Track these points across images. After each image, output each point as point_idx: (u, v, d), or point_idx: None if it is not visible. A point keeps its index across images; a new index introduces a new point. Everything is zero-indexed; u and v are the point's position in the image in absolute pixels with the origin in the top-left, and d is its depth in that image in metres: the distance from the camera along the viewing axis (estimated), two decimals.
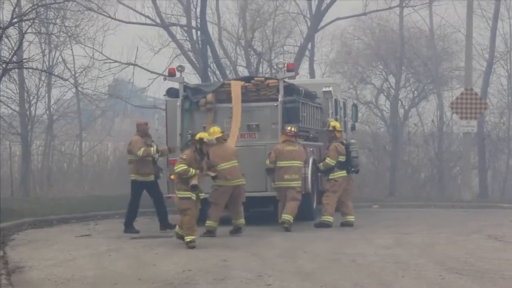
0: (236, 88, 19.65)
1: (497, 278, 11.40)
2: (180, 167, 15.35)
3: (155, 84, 30.75)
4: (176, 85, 20.09)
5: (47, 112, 32.94)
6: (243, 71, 32.42)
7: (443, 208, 26.17)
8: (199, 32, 30.63)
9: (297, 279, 11.44)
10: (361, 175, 24.29)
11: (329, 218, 19.25)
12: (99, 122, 36.65)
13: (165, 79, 20.95)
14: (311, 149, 20.50)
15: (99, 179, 33.03)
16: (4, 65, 22.79)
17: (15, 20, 24.10)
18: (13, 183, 28.14)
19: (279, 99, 19.41)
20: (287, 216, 18.22)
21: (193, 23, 31.25)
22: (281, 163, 18.59)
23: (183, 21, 31.95)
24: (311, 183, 20.16)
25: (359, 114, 28.48)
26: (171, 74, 20.22)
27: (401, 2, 33.83)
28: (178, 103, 19.80)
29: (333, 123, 20.39)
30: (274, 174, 18.80)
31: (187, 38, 31.93)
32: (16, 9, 24.47)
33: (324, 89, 22.72)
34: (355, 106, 27.02)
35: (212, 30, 32.24)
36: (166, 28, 31.54)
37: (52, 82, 32.13)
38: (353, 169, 19.87)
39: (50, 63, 31.67)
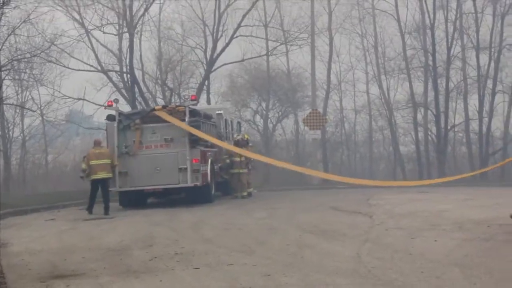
0: (164, 115, 19.31)
1: (336, 235, 11.62)
2: None
3: (99, 112, 30.23)
4: (113, 112, 19.77)
5: (21, 134, 32.21)
6: (160, 101, 32.13)
7: (301, 190, 26.52)
8: (128, 75, 30.32)
9: (202, 243, 11.39)
10: None
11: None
12: (59, 140, 35.78)
13: (105, 108, 20.51)
14: (210, 153, 20.45)
15: (60, 180, 32.21)
16: None
17: None
18: None
19: (186, 120, 19.37)
20: None
21: (124, 69, 30.89)
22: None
23: (117, 67, 31.53)
24: (210, 176, 20.15)
25: (242, 128, 28.54)
26: (109, 105, 19.90)
27: (267, 52, 34.29)
28: (115, 125, 19.55)
29: (247, 135, 22.06)
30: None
31: (120, 80, 31.47)
32: None
33: (217, 112, 22.83)
34: (239, 123, 27.14)
35: (138, 73, 31.83)
36: (105, 73, 31.06)
37: (24, 113, 31.46)
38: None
39: (23, 100, 30.99)
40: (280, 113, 36.95)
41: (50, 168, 33.76)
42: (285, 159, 35.78)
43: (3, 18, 21.02)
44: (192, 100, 20.20)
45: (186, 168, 19.01)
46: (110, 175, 18.36)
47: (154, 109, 20.12)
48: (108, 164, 18.27)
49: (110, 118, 19.86)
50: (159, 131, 19.38)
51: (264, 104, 36.44)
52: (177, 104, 23.16)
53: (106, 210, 17.97)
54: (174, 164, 19.07)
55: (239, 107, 36.31)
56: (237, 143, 21.94)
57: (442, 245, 10.03)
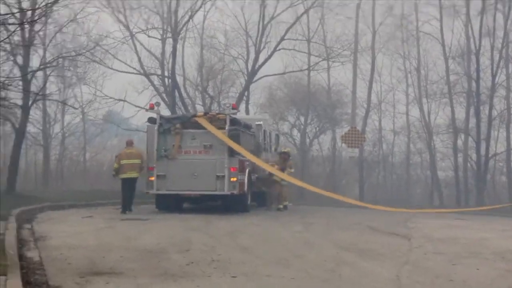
0: (204, 122, 19.39)
1: (374, 255, 11.45)
2: None
3: (139, 115, 30.65)
4: (154, 115, 19.81)
5: (62, 130, 32.61)
6: (200, 108, 32.29)
7: (335, 207, 26.29)
8: (169, 80, 30.55)
9: (239, 251, 11.34)
10: None
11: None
12: (97, 139, 36.19)
13: (147, 110, 20.71)
14: (247, 162, 20.38)
15: (97, 178, 32.54)
16: (33, 97, 22.41)
17: (42, 66, 23.76)
18: (37, 179, 27.76)
19: (226, 128, 19.37)
20: None
21: (166, 73, 31.13)
22: None
23: (159, 72, 31.80)
24: (247, 186, 20.07)
25: (280, 141, 28.46)
26: (151, 108, 20.05)
27: (308, 67, 34.26)
28: (155, 128, 19.63)
29: (289, 149, 22.05)
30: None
31: (161, 84, 31.72)
32: (43, 59, 24.30)
33: (256, 122, 22.77)
34: (277, 135, 27.07)
35: (179, 79, 32.13)
36: (147, 76, 31.35)
37: (66, 110, 31.90)
38: None
39: (65, 97, 31.37)
40: (317, 128, 36.79)
41: (87, 166, 34.13)
42: (320, 175, 35.70)
43: (51, 15, 21.44)
44: (233, 108, 20.23)
45: (223, 176, 19.01)
46: (137, 174, 18.83)
47: (195, 115, 20.19)
48: (137, 164, 18.87)
49: (151, 120, 19.95)
50: (199, 137, 19.42)
51: (302, 119, 36.36)
52: (217, 111, 23.22)
53: (124, 208, 18.26)
54: (212, 171, 19.07)
55: (277, 120, 36.25)
56: (281, 156, 21.88)
57: (484, 274, 9.80)
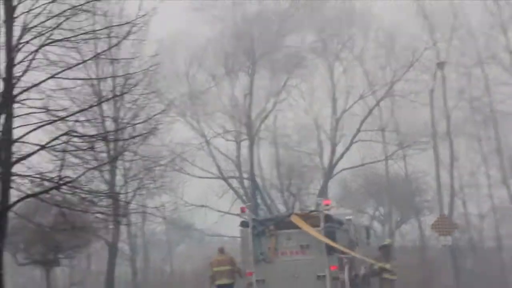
0: (299, 221, 18.94)
1: None
2: None
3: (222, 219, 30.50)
4: (247, 218, 19.37)
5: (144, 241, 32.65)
6: (281, 208, 31.96)
7: None
8: (250, 182, 30.58)
9: None
10: None
11: None
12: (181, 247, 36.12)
13: (239, 215, 20.42)
14: (346, 259, 19.64)
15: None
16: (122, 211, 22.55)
17: (129, 180, 24.01)
18: None
19: (321, 226, 18.83)
20: None
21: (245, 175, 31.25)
22: None
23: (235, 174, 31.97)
24: (348, 283, 19.16)
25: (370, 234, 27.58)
26: (243, 211, 19.75)
27: (386, 157, 33.81)
28: (249, 231, 19.19)
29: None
30: None
31: (240, 187, 31.73)
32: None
33: (347, 217, 22.12)
34: (367, 228, 26.29)
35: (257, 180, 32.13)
36: (225, 179, 31.47)
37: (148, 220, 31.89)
38: None
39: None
40: (399, 218, 35.83)
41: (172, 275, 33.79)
42: (410, 264, 34.29)
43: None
44: (326, 205, 19.71)
45: (324, 276, 18.38)
46: (230, 281, 18.84)
47: (290, 215, 19.79)
48: (228, 270, 18.94)
49: (244, 224, 19.60)
50: (295, 237, 18.96)
51: (381, 209, 35.55)
52: (310, 210, 22.79)
53: None
54: (312, 271, 18.49)
55: (354, 212, 35.55)
56: (386, 249, 20.90)
57: None
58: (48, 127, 12.85)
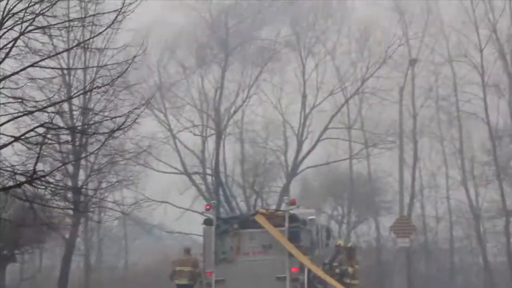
0: (263, 221, 18.65)
1: None
2: None
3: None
4: (211, 216, 19.05)
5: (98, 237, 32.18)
6: (242, 205, 31.85)
7: None
8: (212, 178, 30.35)
9: None
10: None
11: None
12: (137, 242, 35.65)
13: (202, 213, 20.32)
14: None
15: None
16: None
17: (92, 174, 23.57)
18: None
19: (285, 225, 18.59)
20: None
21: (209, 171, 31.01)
22: None
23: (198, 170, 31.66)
24: (308, 286, 18.79)
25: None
26: (207, 209, 19.43)
27: (350, 156, 33.87)
28: (212, 230, 18.89)
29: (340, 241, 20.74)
30: None
31: (203, 183, 31.46)
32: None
33: (309, 217, 21.85)
34: (328, 229, 25.97)
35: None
36: (189, 175, 31.16)
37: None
38: None
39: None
40: (356, 218, 35.96)
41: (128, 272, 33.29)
42: (364, 266, 34.41)
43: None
44: (291, 204, 19.48)
45: (285, 277, 18.21)
46: (189, 282, 18.88)
47: (254, 214, 19.59)
48: (189, 271, 18.96)
49: (207, 222, 19.22)
50: (258, 237, 18.67)
51: (339, 209, 35.66)
52: (275, 209, 22.69)
53: None
54: (272, 272, 18.26)
55: (316, 212, 35.55)
56: (350, 251, 20.68)
57: None
58: (25, 118, 12.44)
